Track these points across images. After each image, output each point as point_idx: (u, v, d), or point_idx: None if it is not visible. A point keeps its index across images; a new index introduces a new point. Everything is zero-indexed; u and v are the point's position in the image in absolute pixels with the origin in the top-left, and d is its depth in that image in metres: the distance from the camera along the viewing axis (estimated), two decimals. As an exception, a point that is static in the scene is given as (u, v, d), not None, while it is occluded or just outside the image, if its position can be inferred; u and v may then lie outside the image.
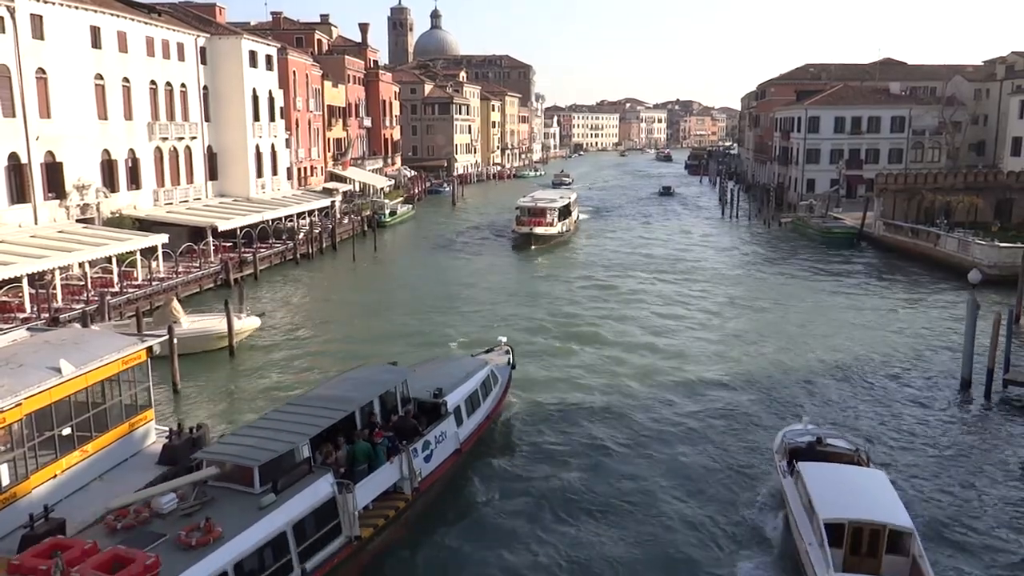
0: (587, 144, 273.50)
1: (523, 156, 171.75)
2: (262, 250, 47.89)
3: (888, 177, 59.01)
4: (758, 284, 44.56)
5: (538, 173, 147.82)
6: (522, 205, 61.72)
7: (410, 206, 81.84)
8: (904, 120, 76.01)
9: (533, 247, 55.87)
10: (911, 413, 24.17)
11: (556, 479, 18.97)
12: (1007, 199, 54.23)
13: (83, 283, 34.76)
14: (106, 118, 43.58)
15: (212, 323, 30.51)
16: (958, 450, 21.49)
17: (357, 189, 78.62)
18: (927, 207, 54.93)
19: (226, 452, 14.46)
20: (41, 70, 38.14)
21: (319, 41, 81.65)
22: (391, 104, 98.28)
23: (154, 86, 48.10)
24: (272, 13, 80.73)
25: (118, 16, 44.36)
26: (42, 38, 38.27)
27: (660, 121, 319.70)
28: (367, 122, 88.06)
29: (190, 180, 52.00)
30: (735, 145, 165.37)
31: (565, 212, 61.96)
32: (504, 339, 25.90)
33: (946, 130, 74.40)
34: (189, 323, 29.88)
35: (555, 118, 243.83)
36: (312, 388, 19.17)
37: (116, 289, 35.30)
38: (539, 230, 57.24)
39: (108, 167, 43.79)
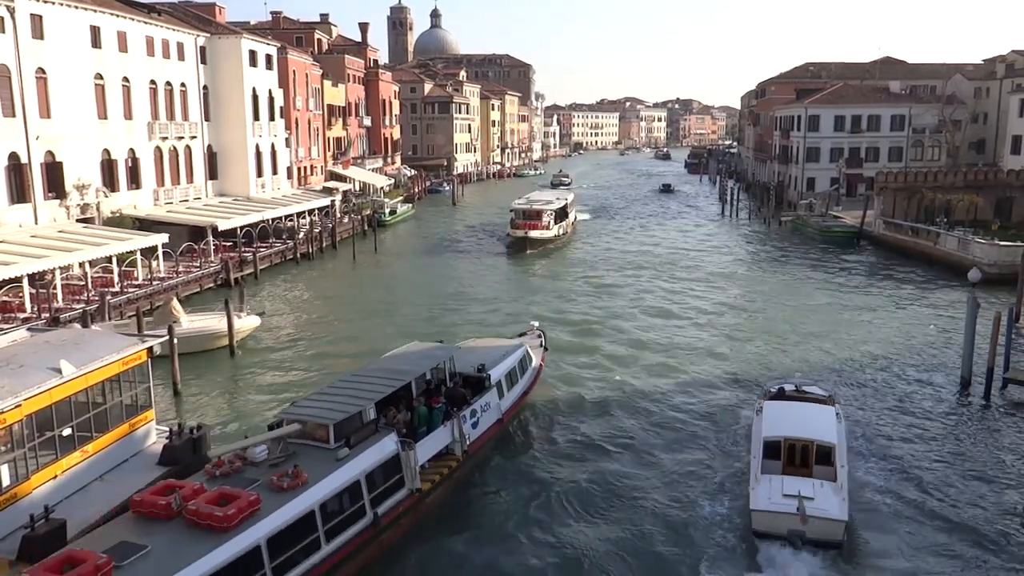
0: (587, 143, 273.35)
1: (523, 155, 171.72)
2: (262, 249, 47.89)
3: (888, 176, 58.99)
4: (758, 283, 44.57)
5: (538, 172, 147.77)
6: (517, 207, 59.29)
7: (410, 205, 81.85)
8: (904, 119, 75.97)
9: (529, 251, 53.92)
10: (911, 411, 24.18)
11: (581, 453, 21.02)
12: (1007, 197, 54.23)
13: (83, 283, 34.78)
14: (106, 118, 43.59)
15: (212, 322, 30.53)
16: (957, 448, 21.50)
17: (357, 188, 78.63)
18: (927, 206, 54.91)
19: (305, 412, 16.43)
20: (41, 70, 38.15)
21: (319, 40, 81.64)
22: (391, 103, 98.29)
23: (154, 86, 48.10)
24: (272, 12, 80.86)
25: (118, 16, 44.37)
26: (42, 38, 38.27)
27: (660, 120, 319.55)
28: (367, 121, 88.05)
29: (190, 180, 52.01)
30: (735, 144, 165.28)
31: (562, 214, 59.92)
32: (536, 323, 28.26)
33: (946, 128, 74.39)
34: (189, 322, 29.90)
35: (555, 117, 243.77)
36: (370, 361, 21.32)
37: (116, 289, 35.31)
38: (535, 233, 55.13)
39: (108, 167, 43.80)
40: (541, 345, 25.66)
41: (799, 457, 17.76)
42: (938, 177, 57.03)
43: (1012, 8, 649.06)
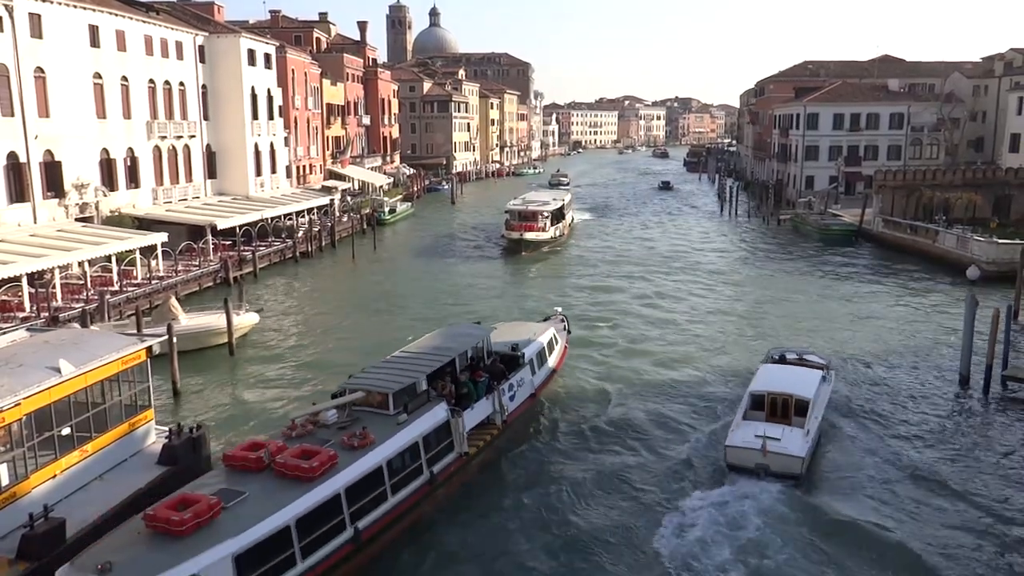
0: (586, 142, 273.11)
1: (522, 154, 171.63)
2: (261, 248, 47.90)
3: (887, 174, 59.01)
4: (757, 281, 44.61)
5: (537, 171, 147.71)
6: (512, 208, 57.68)
7: (409, 204, 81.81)
8: (903, 117, 75.97)
9: (524, 253, 52.50)
10: (909, 409, 24.23)
11: (597, 425, 23.15)
12: (1006, 195, 54.28)
13: (82, 282, 34.78)
14: (105, 117, 43.57)
15: (211, 320, 30.54)
16: (956, 446, 21.55)
17: (356, 187, 78.62)
18: (926, 204, 54.95)
19: (366, 382, 18.47)
20: (40, 69, 38.14)
21: (318, 39, 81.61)
22: (390, 102, 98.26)
23: (152, 85, 48.08)
24: (270, 11, 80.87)
25: (116, 15, 44.34)
26: (40, 37, 38.26)
27: (659, 118, 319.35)
28: (366, 120, 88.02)
29: (189, 179, 52.01)
30: (734, 142, 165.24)
31: (559, 215, 58.34)
32: (559, 309, 30.38)
33: (945, 127, 74.41)
34: (188, 321, 29.91)
35: (554, 116, 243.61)
36: (414, 340, 23.04)
37: (116, 288, 35.31)
38: (530, 235, 53.65)
39: (107, 166, 43.80)
40: (565, 329, 27.74)
41: (780, 409, 20.80)
42: (937, 175, 57.05)
43: (1011, 6, 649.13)
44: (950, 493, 18.78)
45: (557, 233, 56.93)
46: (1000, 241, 43.44)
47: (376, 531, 15.72)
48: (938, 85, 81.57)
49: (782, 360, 24.25)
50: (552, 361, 24.75)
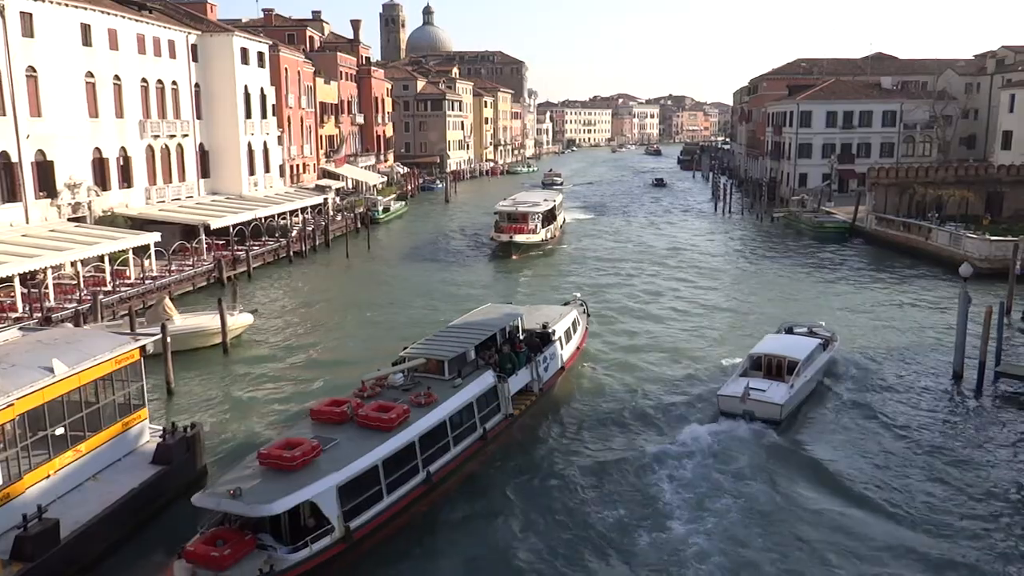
0: (580, 140, 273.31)
1: (516, 152, 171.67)
2: (255, 248, 47.79)
3: (880, 171, 59.15)
4: (751, 278, 44.72)
5: (531, 169, 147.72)
6: (501, 209, 56.02)
7: (403, 203, 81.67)
8: (895, 114, 76.22)
9: (514, 257, 50.80)
10: (903, 405, 24.31)
11: (617, 397, 25.66)
12: (998, 192, 54.44)
13: (75, 282, 34.66)
14: (97, 116, 43.40)
15: (205, 320, 30.47)
16: (949, 442, 21.64)
17: (350, 186, 78.49)
18: (919, 201, 55.09)
19: (424, 351, 21.33)
20: (31, 68, 37.96)
21: (311, 38, 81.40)
22: (383, 101, 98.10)
23: (145, 84, 47.91)
24: (263, 10, 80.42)
25: (108, 13, 44.16)
26: (32, 36, 38.07)
27: (653, 117, 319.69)
28: (359, 119, 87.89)
29: (182, 178, 51.83)
30: (728, 140, 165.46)
31: (550, 216, 56.68)
32: (578, 294, 32.84)
33: (937, 124, 74.63)
34: (182, 321, 29.84)
35: (548, 114, 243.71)
36: (457, 317, 26.44)
37: (109, 288, 35.17)
38: (520, 238, 51.86)
39: (99, 165, 43.63)
40: (584, 312, 30.23)
41: (774, 369, 23.96)
42: (929, 172, 57.17)
43: (1003, 4, 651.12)
44: (927, 466, 20.18)
45: (548, 235, 55.30)
46: (992, 238, 43.59)
47: (443, 475, 18.17)
48: (931, 82, 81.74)
49: (790, 331, 27.48)
50: (576, 339, 27.51)
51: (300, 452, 15.45)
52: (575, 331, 27.38)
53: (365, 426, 17.20)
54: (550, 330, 25.26)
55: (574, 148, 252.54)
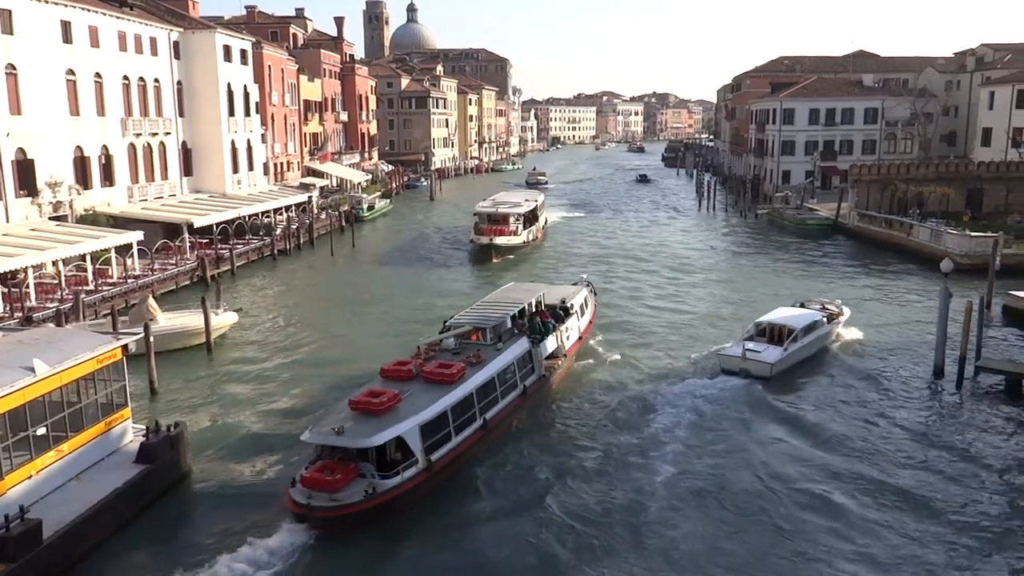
0: (565, 137, 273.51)
1: (501, 150, 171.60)
2: (239, 246, 47.55)
3: (862, 168, 59.60)
4: (735, 274, 44.96)
5: (516, 167, 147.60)
6: (481, 211, 54.36)
7: (388, 201, 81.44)
8: (877, 112, 76.84)
9: (495, 260, 48.76)
10: (884, 400, 24.56)
11: (630, 365, 28.80)
12: (978, 189, 54.98)
13: (57, 282, 34.36)
14: (78, 114, 43.04)
15: (189, 320, 30.30)
16: (930, 436, 21.87)
17: (334, 184, 78.22)
18: (900, 198, 55.55)
19: (469, 320, 24.74)
20: (11, 66, 37.58)
21: (294, 35, 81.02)
22: (368, 98, 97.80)
23: (127, 81, 47.55)
24: (246, 7, 79.98)
25: (89, 10, 43.78)
26: (11, 33, 37.69)
27: (637, 114, 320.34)
28: (343, 116, 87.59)
29: (165, 176, 51.50)
30: (712, 138, 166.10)
31: (531, 218, 54.81)
32: (585, 276, 35.18)
33: (918, 121, 75.30)
34: (165, 320, 29.66)
35: (532, 111, 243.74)
36: (488, 294, 29.70)
37: (91, 287, 34.91)
38: (500, 240, 49.98)
39: (81, 164, 43.27)
40: (592, 291, 32.84)
41: (776, 336, 27.26)
42: (911, 169, 57.66)
43: (982, 3, 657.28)
44: (898, 444, 21.50)
45: (530, 237, 53.52)
46: (972, 234, 44.03)
47: (495, 423, 21.07)
48: (911, 80, 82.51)
49: (802, 305, 30.80)
50: (588, 314, 30.70)
51: (385, 399, 18.41)
52: (587, 307, 30.76)
53: (430, 381, 20.14)
54: (568, 304, 28.59)
55: (559, 146, 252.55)
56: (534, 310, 26.63)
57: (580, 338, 28.74)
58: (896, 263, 46.54)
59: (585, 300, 30.60)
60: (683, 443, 21.36)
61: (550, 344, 25.76)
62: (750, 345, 26.48)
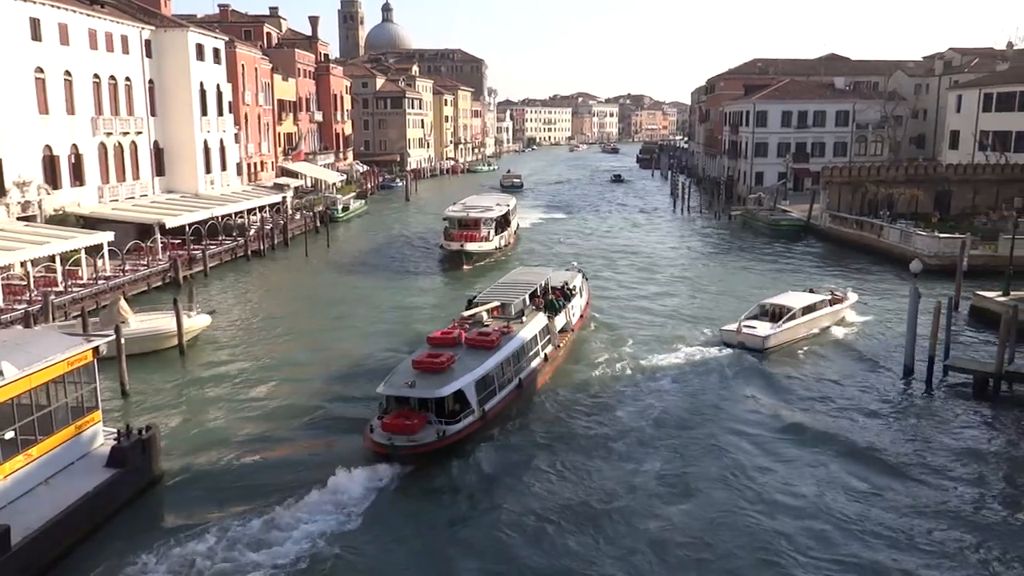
0: (540, 138, 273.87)
1: (476, 151, 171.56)
2: (212, 247, 47.11)
3: (833, 170, 60.34)
4: (709, 274, 45.29)
5: (491, 167, 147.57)
6: (451, 215, 51.99)
7: (363, 201, 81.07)
8: (848, 114, 77.83)
9: (466, 267, 46.91)
10: (855, 399, 24.91)
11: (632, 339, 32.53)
12: (946, 191, 55.86)
13: (25, 283, 33.83)
14: (47, 112, 42.39)
15: (161, 322, 29.97)
16: (900, 434, 22.24)
17: (309, 184, 77.73)
18: (871, 199, 56.29)
19: (492, 298, 28.04)
20: (-23, 63, 36.95)
21: (268, 34, 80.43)
22: (342, 98, 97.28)
23: (97, 80, 46.91)
24: (219, 5, 79.21)
25: (58, 7, 43.13)
26: (-22, 30, 37.07)
27: (612, 115, 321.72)
28: (318, 116, 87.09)
29: (136, 176, 50.87)
30: (686, 139, 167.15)
31: (503, 223, 52.92)
32: (576, 263, 39.02)
33: (888, 124, 76.34)
34: (137, 322, 29.31)
35: (508, 112, 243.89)
36: (502, 276, 33.64)
37: (60, 289, 34.44)
38: (472, 246, 48.11)
39: (50, 163, 42.62)
40: (584, 276, 35.98)
41: (776, 315, 30.61)
42: (881, 171, 58.47)
43: (950, 8, 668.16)
44: (864, 437, 22.30)
45: (502, 243, 51.67)
46: (941, 235, 44.74)
47: (527, 384, 24.39)
48: (882, 83, 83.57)
49: (811, 292, 33.75)
50: (586, 295, 34.50)
51: (444, 359, 21.82)
52: (584, 289, 34.57)
53: (473, 346, 23.37)
54: (572, 286, 32.38)
55: (534, 147, 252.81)
56: (546, 289, 30.38)
57: (582, 316, 32.43)
58: (867, 264, 47.16)
59: (582, 283, 34.37)
60: (671, 393, 25.55)
61: (560, 319, 29.12)
62: (748, 321, 30.13)
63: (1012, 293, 32.72)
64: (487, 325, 25.63)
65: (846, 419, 23.36)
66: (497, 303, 27.37)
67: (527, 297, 28.24)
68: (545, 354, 26.44)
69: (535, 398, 24.91)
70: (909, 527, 17.30)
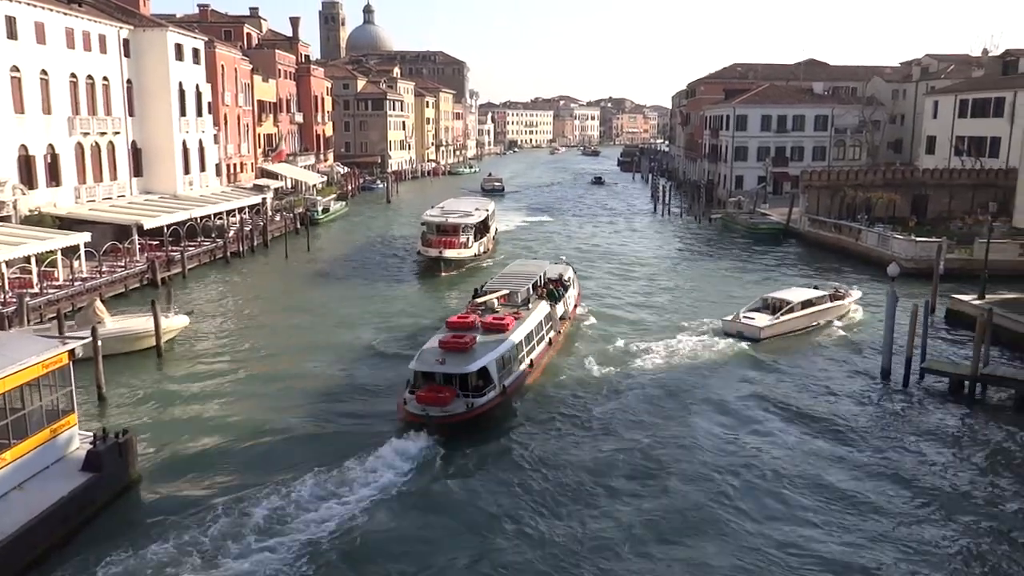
0: (522, 141, 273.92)
1: (458, 153, 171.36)
2: (190, 248, 46.70)
3: (812, 174, 60.88)
4: (689, 277, 45.51)
5: (473, 170, 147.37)
6: (429, 220, 50.20)
7: (343, 203, 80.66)
8: (827, 119, 78.55)
9: (442, 274, 45.55)
10: (833, 402, 25.12)
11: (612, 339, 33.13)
12: (922, 195, 56.54)
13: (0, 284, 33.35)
14: (23, 112, 41.87)
15: (138, 323, 29.66)
16: (877, 436, 22.43)
17: (289, 186, 77.27)
18: (849, 203, 56.87)
19: (503, 285, 30.35)
20: (-49, 61, 36.42)
21: (248, 35, 79.97)
22: (323, 99, 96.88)
23: (75, 79, 46.39)
24: (199, 5, 78.61)
25: (35, 6, 42.62)
26: (-48, 28, 36.54)
27: (593, 119, 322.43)
28: (299, 118, 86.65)
29: (113, 177, 50.34)
30: (667, 143, 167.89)
31: (482, 228, 51.30)
32: (564, 257, 41.40)
33: (866, 129, 77.15)
34: (113, 323, 28.98)
35: (489, 115, 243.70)
36: (504, 267, 37.11)
37: (36, 290, 33.98)
38: (450, 253, 46.57)
39: (25, 163, 42.09)
40: (572, 269, 38.48)
41: (775, 308, 32.78)
42: (859, 176, 59.11)
43: (926, 14, 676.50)
44: (842, 442, 22.59)
45: (481, 249, 49.97)
46: (917, 239, 45.26)
47: (536, 364, 26.59)
48: (860, 88, 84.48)
49: (815, 288, 35.63)
50: (577, 286, 36.89)
51: (468, 339, 23.85)
52: (576, 281, 37.10)
53: (488, 330, 25.08)
54: (566, 278, 35.05)
55: (516, 149, 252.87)
56: (545, 279, 32.87)
57: (576, 305, 35.16)
58: (845, 266, 47.58)
59: (573, 275, 37.01)
60: (662, 372, 28.04)
61: (560, 308, 31.63)
62: (747, 312, 32.53)
63: (987, 296, 33.17)
64: (497, 311, 27.39)
65: (824, 418, 23.52)
66: (505, 291, 29.49)
67: (531, 287, 30.64)
68: (549, 338, 28.81)
69: (542, 377, 27.08)
70: (874, 528, 17.48)
